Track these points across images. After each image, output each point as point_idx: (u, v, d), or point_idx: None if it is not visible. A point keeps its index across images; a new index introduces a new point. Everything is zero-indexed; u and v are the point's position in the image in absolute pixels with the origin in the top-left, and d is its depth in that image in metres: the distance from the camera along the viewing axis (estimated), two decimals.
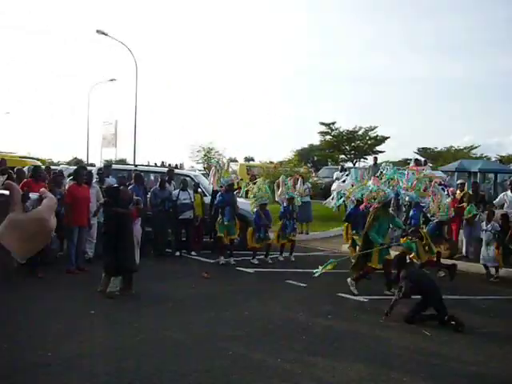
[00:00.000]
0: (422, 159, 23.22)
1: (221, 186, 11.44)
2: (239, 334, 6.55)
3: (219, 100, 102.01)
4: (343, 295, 8.61)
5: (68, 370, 5.20)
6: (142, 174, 12.52)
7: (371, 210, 9.24)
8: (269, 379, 5.21)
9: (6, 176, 9.45)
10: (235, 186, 12.52)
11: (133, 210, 8.47)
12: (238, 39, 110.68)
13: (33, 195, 1.18)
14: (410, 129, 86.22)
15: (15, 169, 10.95)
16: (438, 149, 45.17)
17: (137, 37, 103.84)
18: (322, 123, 44.54)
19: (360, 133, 43.73)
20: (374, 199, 9.22)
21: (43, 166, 13.66)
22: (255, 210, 11.54)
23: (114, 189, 8.53)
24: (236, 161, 39.80)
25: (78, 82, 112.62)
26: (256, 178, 15.09)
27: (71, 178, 10.98)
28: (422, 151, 45.69)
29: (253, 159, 49.46)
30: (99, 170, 12.44)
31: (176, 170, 15.27)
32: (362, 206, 9.99)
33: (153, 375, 5.15)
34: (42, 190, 1.20)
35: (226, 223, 10.97)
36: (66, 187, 9.91)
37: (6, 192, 1.12)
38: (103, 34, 27.71)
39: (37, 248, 1.12)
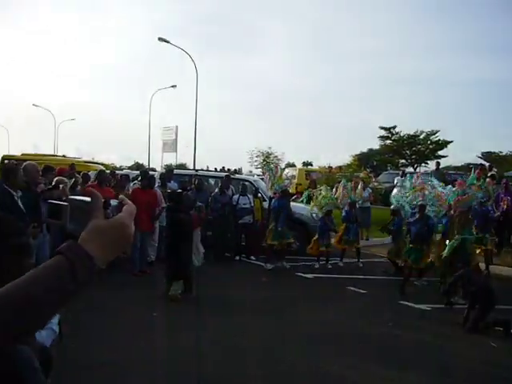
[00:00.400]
0: (487, 164, 22.49)
1: (274, 193, 11.47)
2: (298, 339, 6.52)
3: (277, 103, 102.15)
4: (405, 303, 8.44)
5: (131, 370, 5.31)
6: (202, 179, 12.69)
7: (455, 215, 9.22)
8: None
9: (73, 180, 9.77)
10: (293, 191, 12.51)
11: (194, 216, 8.56)
12: (296, 42, 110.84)
13: (113, 202, 1.20)
14: (473, 132, 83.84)
15: (81, 173, 11.33)
16: (503, 153, 43.51)
17: (197, 42, 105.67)
18: (382, 127, 43.93)
19: (421, 137, 42.76)
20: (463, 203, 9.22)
21: (108, 171, 14.07)
22: (320, 216, 11.58)
23: (177, 194, 8.66)
24: (294, 166, 39.70)
25: (140, 88, 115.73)
26: (316, 183, 15.02)
27: (135, 182, 11.29)
28: (486, 155, 44.04)
29: (311, 164, 49.19)
30: (161, 174, 12.67)
31: (236, 175, 15.40)
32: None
33: (212, 380, 5.20)
34: (121, 196, 1.25)
35: (279, 229, 10.95)
36: (130, 191, 10.15)
37: (88, 199, 1.16)
38: (165, 41, 28.33)
39: (117, 253, 1.15)
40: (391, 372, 5.55)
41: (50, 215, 1.28)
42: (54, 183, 7.91)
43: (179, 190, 9.21)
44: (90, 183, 9.84)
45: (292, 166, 40.24)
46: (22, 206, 6.11)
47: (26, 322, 0.99)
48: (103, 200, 1.17)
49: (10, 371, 1.46)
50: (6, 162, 15.98)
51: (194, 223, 8.49)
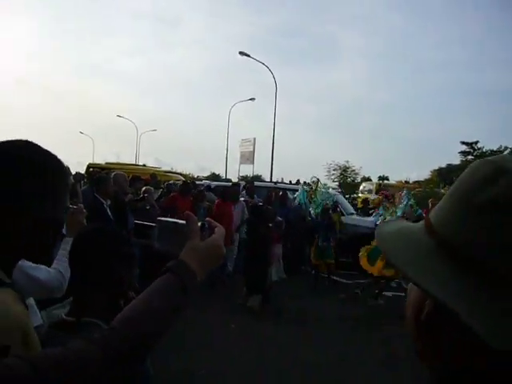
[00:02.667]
0: None
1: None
2: (373, 358, 6.34)
3: (354, 116, 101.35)
4: None
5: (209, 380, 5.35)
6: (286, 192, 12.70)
7: None
8: None
9: (160, 190, 10.02)
10: (371, 205, 12.25)
11: (273, 230, 8.55)
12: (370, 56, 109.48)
13: (211, 223, 1.31)
14: None
15: (165, 183, 11.62)
16: None
17: (277, 56, 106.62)
18: (464, 142, 42.60)
19: (505, 153, 41.13)
20: None
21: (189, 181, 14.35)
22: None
23: (258, 207, 8.69)
24: (370, 180, 39.16)
25: (220, 100, 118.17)
26: (391, 198, 14.69)
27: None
28: None
29: (387, 178, 48.37)
30: (248, 187, 12.79)
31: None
32: None
33: None
34: (208, 219, 1.32)
35: (319, 245, 10.67)
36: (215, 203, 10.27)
37: (180, 221, 1.27)
38: (246, 55, 28.72)
39: (208, 269, 1.24)
40: None
41: (137, 234, 1.38)
42: (141, 194, 8.12)
43: (260, 204, 9.23)
44: (172, 194, 10.04)
45: (368, 180, 39.75)
46: (110, 214, 6.30)
47: (157, 338, 1.09)
48: (201, 223, 1.27)
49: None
50: (91, 169, 16.67)
51: (273, 238, 8.49)
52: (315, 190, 11.67)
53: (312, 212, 11.44)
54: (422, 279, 0.76)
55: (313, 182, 12.22)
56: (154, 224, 1.37)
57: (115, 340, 0.98)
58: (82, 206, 3.00)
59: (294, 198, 12.32)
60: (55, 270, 2.72)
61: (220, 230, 1.29)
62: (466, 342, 0.73)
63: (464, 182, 0.83)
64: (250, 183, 14.02)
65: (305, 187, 12.12)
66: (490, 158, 0.83)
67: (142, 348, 1.04)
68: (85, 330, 1.50)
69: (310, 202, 11.64)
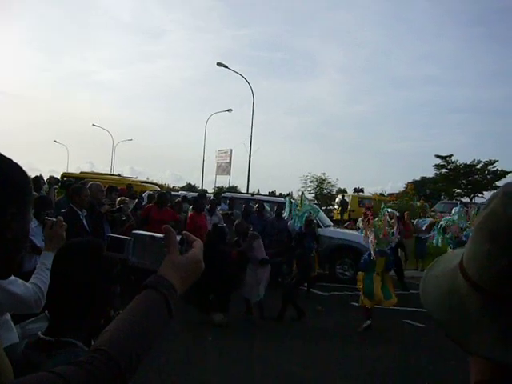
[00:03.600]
0: None
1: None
2: (356, 373, 6.33)
3: (330, 129, 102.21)
4: None
5: None
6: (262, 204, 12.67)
7: None
8: None
9: (136, 200, 9.91)
10: (346, 217, 12.37)
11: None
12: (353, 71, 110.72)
13: (188, 237, 1.27)
14: None
15: (139, 194, 11.52)
16: None
17: (255, 68, 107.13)
18: (438, 156, 43.25)
19: (478, 167, 41.87)
20: None
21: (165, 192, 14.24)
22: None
23: (218, 227, 8.62)
24: (345, 192, 39.41)
25: (197, 110, 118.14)
26: (371, 211, 14.76)
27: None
28: None
29: (362, 190, 48.78)
30: (212, 200, 12.80)
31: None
32: None
33: None
34: (185, 232, 1.29)
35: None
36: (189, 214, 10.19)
37: (157, 235, 1.25)
38: (223, 66, 28.77)
39: (189, 285, 1.21)
40: None
41: (110, 248, 1.35)
42: (117, 204, 8.02)
43: (219, 224, 9.08)
44: (148, 204, 9.94)
45: (344, 191, 40.00)
46: (87, 225, 6.19)
47: (143, 357, 1.04)
48: (180, 237, 1.24)
49: None
50: (65, 179, 16.47)
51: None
52: (300, 202, 11.71)
53: (296, 224, 11.44)
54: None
55: (299, 195, 12.34)
56: (128, 238, 1.33)
57: (104, 364, 0.95)
58: (61, 218, 2.91)
59: (277, 210, 12.27)
60: (33, 285, 2.64)
61: (198, 243, 1.27)
62: None
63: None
64: (216, 195, 14.00)
65: (292, 200, 12.11)
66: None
67: (129, 369, 1.00)
68: (63, 351, 1.44)
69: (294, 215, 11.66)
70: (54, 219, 2.87)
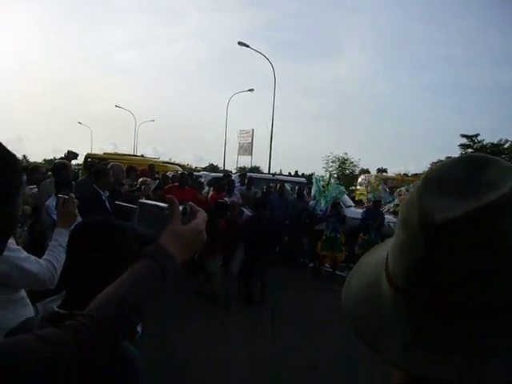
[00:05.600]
0: None
1: (369, 201, 11.44)
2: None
3: (353, 109, 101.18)
4: None
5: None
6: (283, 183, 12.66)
7: None
8: None
9: (157, 181, 9.97)
10: (357, 198, 12.38)
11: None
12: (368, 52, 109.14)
13: (193, 208, 1.28)
14: None
15: (160, 174, 11.58)
16: None
17: (276, 48, 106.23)
18: (464, 135, 42.53)
19: (506, 146, 41.09)
20: None
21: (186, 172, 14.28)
22: None
23: (222, 204, 8.55)
24: (368, 172, 39.10)
25: (219, 90, 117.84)
26: (393, 191, 14.71)
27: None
28: None
29: (385, 170, 48.35)
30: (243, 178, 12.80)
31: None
32: None
33: None
34: (190, 203, 1.29)
35: (327, 235, 10.81)
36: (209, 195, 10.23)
37: (162, 204, 1.26)
38: (245, 45, 28.57)
39: (189, 257, 1.22)
40: None
41: (118, 216, 1.36)
42: (138, 184, 8.07)
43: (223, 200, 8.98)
44: (170, 184, 9.99)
45: (366, 172, 39.71)
46: (109, 206, 6.26)
47: (133, 326, 1.08)
48: (182, 207, 1.25)
49: (119, 371, 1.45)
50: (89, 160, 16.60)
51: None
52: (327, 183, 11.73)
53: (322, 204, 11.47)
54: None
55: (328, 175, 12.39)
56: (134, 206, 1.34)
57: (89, 328, 0.95)
58: (73, 195, 2.96)
59: (299, 191, 12.29)
60: (47, 262, 2.70)
61: (202, 214, 1.28)
62: None
63: None
64: (243, 175, 13.99)
65: (320, 181, 12.11)
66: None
67: (117, 336, 1.01)
68: None
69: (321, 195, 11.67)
70: (66, 196, 2.92)
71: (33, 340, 0.89)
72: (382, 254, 0.85)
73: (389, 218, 12.51)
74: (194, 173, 18.30)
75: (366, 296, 0.81)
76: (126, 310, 1.02)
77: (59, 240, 2.80)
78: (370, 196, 11.24)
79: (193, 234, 1.21)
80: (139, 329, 2.85)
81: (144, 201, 1.36)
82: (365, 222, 11.13)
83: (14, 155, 1.09)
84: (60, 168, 6.89)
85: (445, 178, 0.72)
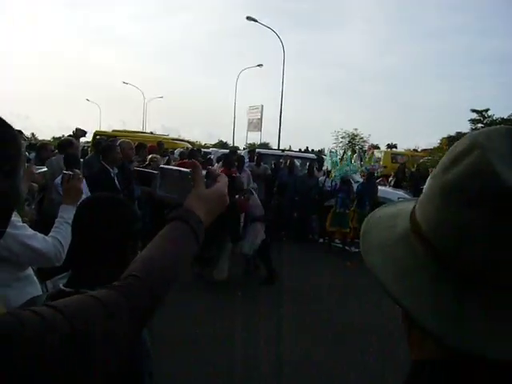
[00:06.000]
0: None
1: (362, 175, 11.41)
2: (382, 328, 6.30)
3: (362, 83, 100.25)
4: None
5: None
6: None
7: None
8: None
9: (166, 158, 9.95)
10: (377, 175, 12.36)
11: (239, 200, 8.21)
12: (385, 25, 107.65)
13: (213, 172, 1.33)
14: None
15: (169, 150, 11.57)
16: None
17: (284, 21, 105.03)
18: (474, 110, 42.01)
19: None
20: None
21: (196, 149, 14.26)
22: None
23: (231, 178, 8.45)
24: (378, 148, 38.89)
25: (227, 66, 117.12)
26: (405, 167, 14.60)
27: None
28: None
29: (395, 146, 48.08)
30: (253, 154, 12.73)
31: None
32: None
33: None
34: (210, 167, 1.33)
35: (336, 211, 10.84)
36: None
37: (183, 169, 1.28)
38: (253, 20, 28.28)
39: (213, 218, 1.24)
40: None
41: (138, 182, 1.37)
42: (147, 161, 8.06)
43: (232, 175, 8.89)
44: (178, 161, 9.99)
45: (376, 147, 39.50)
46: (118, 183, 6.24)
47: (170, 287, 1.06)
48: (205, 172, 1.28)
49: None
50: (98, 137, 16.60)
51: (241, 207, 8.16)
52: (341, 159, 11.75)
53: (335, 175, 11.49)
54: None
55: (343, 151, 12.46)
56: (155, 172, 1.36)
57: (137, 287, 0.96)
58: (78, 171, 2.93)
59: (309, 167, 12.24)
60: (53, 239, 2.69)
61: (223, 178, 1.30)
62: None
63: (441, 162, 0.77)
64: (252, 151, 13.89)
65: (336, 154, 12.13)
66: (469, 134, 0.76)
67: (159, 295, 1.01)
68: None
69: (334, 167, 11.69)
70: (71, 173, 2.90)
71: (89, 300, 0.89)
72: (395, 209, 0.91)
73: (399, 193, 12.43)
74: (204, 149, 18.27)
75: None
76: (167, 273, 1.04)
77: (65, 217, 2.79)
78: (363, 169, 11.25)
79: (216, 196, 1.24)
80: None
81: (165, 166, 1.36)
82: (359, 195, 11.09)
83: (9, 125, 1.05)
84: (66, 145, 6.88)
85: (499, 150, 0.71)
